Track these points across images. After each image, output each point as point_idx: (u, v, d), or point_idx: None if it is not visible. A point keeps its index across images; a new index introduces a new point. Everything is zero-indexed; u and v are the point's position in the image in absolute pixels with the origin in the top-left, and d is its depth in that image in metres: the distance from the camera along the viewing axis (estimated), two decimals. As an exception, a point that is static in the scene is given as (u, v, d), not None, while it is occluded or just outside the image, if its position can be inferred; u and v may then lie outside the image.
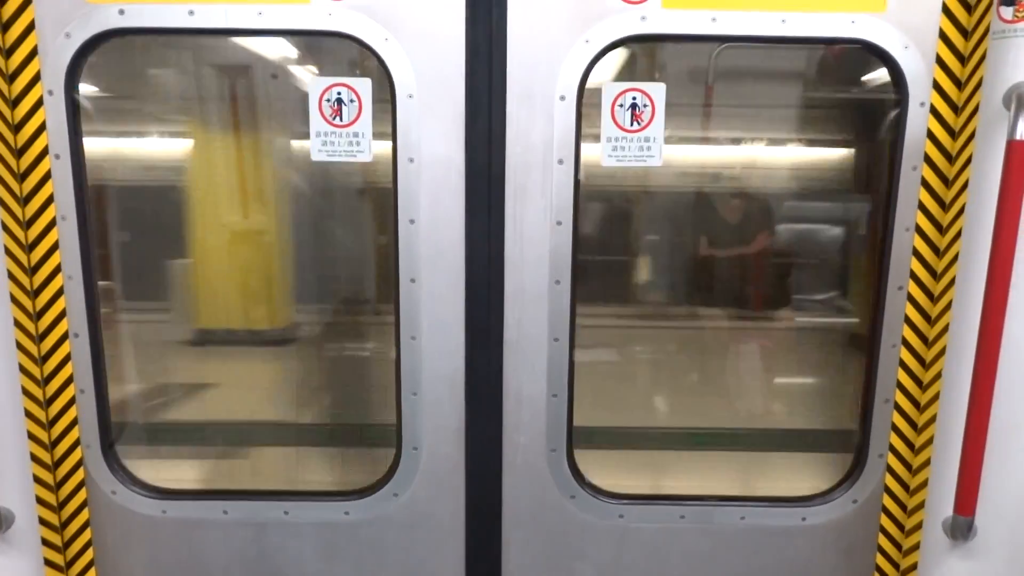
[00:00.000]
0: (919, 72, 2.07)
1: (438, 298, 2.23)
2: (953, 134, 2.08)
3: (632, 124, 2.14)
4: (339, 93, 2.13)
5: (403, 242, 2.19)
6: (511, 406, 2.30)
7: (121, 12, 2.04)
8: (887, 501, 2.32)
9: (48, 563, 2.30)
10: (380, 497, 2.37)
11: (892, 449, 2.28)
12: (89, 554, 2.34)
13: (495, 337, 2.26)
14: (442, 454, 2.33)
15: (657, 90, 2.13)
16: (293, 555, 2.42)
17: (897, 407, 2.26)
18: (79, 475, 2.28)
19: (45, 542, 2.28)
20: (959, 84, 2.05)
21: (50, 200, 2.12)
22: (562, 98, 2.11)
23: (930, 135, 2.09)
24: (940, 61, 2.05)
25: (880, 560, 2.36)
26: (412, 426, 2.31)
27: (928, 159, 2.10)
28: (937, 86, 2.07)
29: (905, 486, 2.29)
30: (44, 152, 2.09)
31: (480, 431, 2.32)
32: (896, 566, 2.34)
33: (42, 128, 2.07)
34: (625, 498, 2.40)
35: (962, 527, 2.16)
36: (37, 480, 2.24)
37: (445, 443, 2.32)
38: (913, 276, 2.17)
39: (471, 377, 2.28)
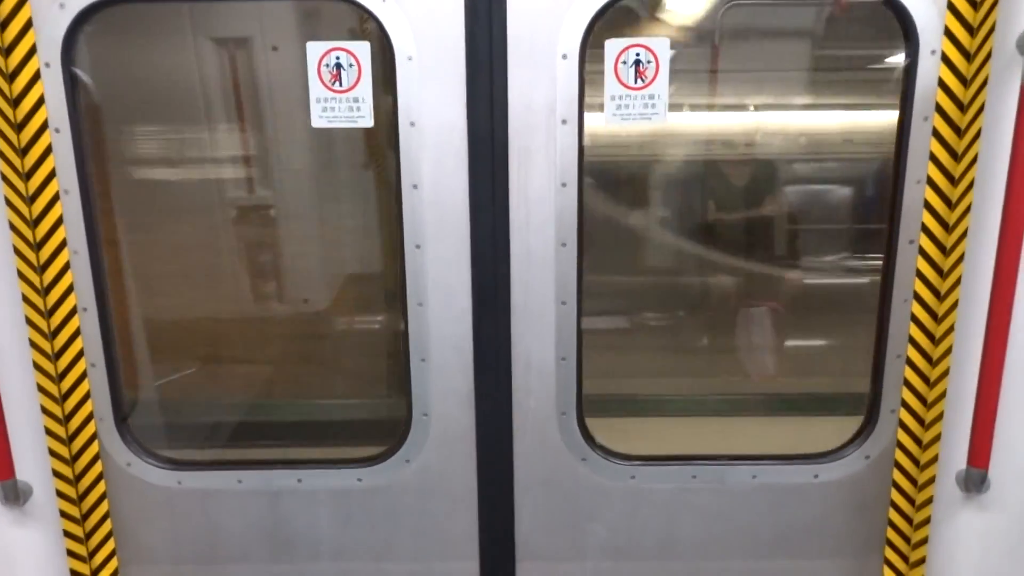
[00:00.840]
0: (930, 19, 2.02)
1: (444, 263, 2.21)
2: (965, 82, 2.03)
3: (636, 81, 2.11)
4: (337, 58, 2.10)
5: (407, 208, 2.18)
6: (520, 370, 2.30)
7: None
8: (900, 456, 2.31)
9: (67, 534, 2.33)
10: (392, 463, 2.38)
11: (904, 404, 2.27)
12: (107, 525, 2.37)
13: (502, 301, 2.25)
14: (452, 419, 2.34)
15: (661, 45, 2.09)
16: (308, 522, 2.44)
17: (909, 362, 2.24)
18: (94, 448, 2.30)
19: (63, 514, 2.31)
20: (971, 30, 2.00)
21: (52, 175, 2.11)
22: (564, 56, 2.07)
23: (941, 84, 2.04)
24: (951, 7, 1.99)
25: (893, 515, 2.36)
26: (422, 392, 2.31)
27: (940, 109, 2.05)
28: (948, 33, 2.01)
29: (918, 441, 2.28)
30: (44, 126, 2.07)
31: (489, 396, 2.32)
32: (909, 520, 2.34)
33: (41, 102, 2.06)
34: (636, 459, 2.41)
35: (976, 479, 2.16)
36: (53, 454, 2.27)
37: (455, 408, 2.33)
38: (924, 229, 2.14)
39: (479, 342, 2.27)
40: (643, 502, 2.42)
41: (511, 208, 2.17)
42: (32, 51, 2.02)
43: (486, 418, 2.34)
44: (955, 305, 2.14)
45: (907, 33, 2.06)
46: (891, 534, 2.37)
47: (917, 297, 2.19)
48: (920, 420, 2.27)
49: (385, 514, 2.43)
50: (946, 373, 2.19)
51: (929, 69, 2.05)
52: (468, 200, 2.17)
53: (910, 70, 2.08)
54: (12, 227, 2.11)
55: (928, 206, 2.12)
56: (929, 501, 2.29)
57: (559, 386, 2.31)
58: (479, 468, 2.38)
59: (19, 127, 2.06)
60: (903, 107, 2.11)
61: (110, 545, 2.39)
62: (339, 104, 2.12)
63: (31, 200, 2.11)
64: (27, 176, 2.10)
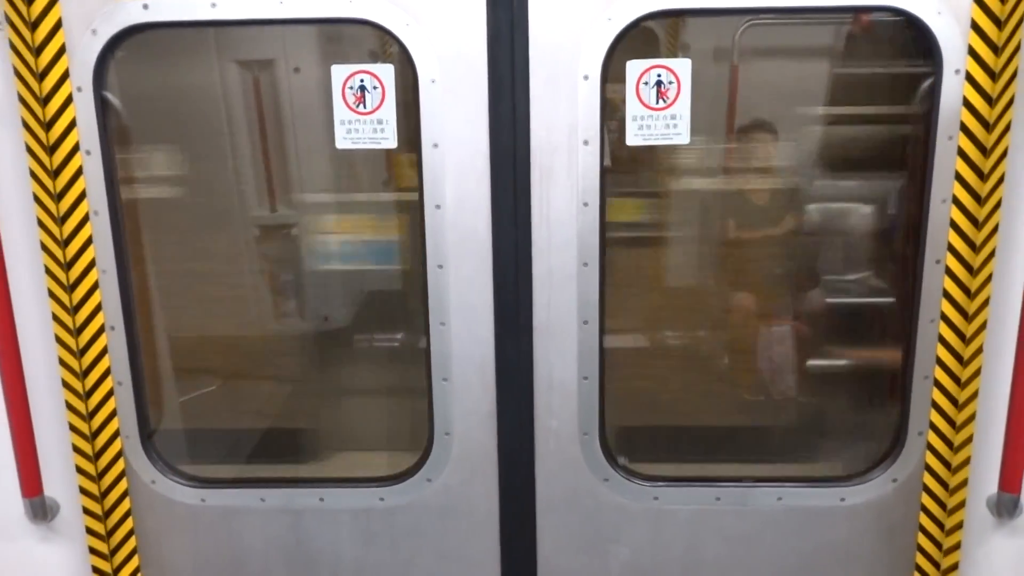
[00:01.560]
0: (953, 38, 2.01)
1: (466, 283, 2.22)
2: (990, 101, 2.01)
3: (657, 102, 2.11)
4: (362, 80, 2.13)
5: (430, 228, 2.19)
6: (542, 390, 2.29)
7: (145, 7, 2.06)
8: (928, 480, 2.27)
9: (93, 551, 2.36)
10: (414, 483, 2.38)
11: (932, 426, 2.23)
12: (132, 542, 2.39)
13: (524, 321, 2.25)
14: (474, 439, 2.33)
15: (683, 67, 2.10)
16: (330, 541, 2.44)
17: (937, 383, 2.20)
18: (120, 465, 2.33)
19: (89, 531, 2.34)
20: (995, 49, 1.99)
21: (83, 196, 2.15)
22: (586, 78, 2.09)
23: (966, 103, 2.02)
24: (975, 26, 1.98)
25: (922, 540, 2.31)
26: (444, 412, 2.31)
27: (964, 128, 2.04)
28: (972, 52, 2.00)
29: (947, 464, 2.24)
30: (75, 148, 2.12)
31: (511, 416, 2.31)
32: (939, 545, 2.30)
33: (72, 125, 2.10)
34: (659, 480, 2.39)
35: (1008, 505, 2.12)
36: (80, 471, 2.30)
37: (477, 428, 2.33)
38: (951, 249, 2.11)
39: (501, 362, 2.28)
40: (666, 523, 2.40)
41: (533, 228, 2.18)
42: (65, 76, 2.07)
43: (508, 438, 2.33)
44: (984, 326, 2.11)
45: (930, 52, 2.05)
46: (920, 560, 2.33)
47: (944, 317, 2.16)
48: (949, 443, 2.23)
49: (406, 534, 2.42)
50: (975, 395, 2.15)
51: (953, 88, 2.03)
52: (491, 220, 2.18)
53: (934, 89, 2.07)
54: (43, 247, 2.15)
55: (954, 225, 2.10)
56: (959, 526, 2.25)
57: (581, 406, 2.30)
58: (501, 488, 2.37)
59: (51, 149, 2.11)
60: (927, 126, 2.10)
61: (134, 562, 2.41)
62: (363, 126, 2.15)
63: (62, 220, 2.16)
64: (58, 197, 2.14)
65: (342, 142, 2.16)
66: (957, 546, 2.27)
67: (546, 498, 2.38)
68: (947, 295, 2.14)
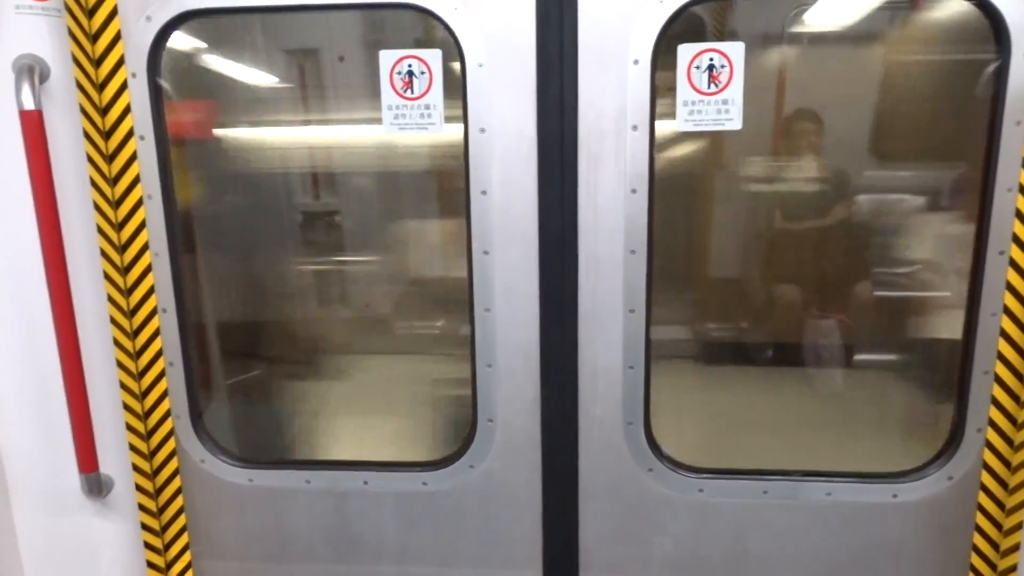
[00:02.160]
0: (1022, 18, 1.92)
1: (512, 269, 2.21)
2: None
3: (709, 86, 2.07)
4: (410, 65, 2.12)
5: (475, 214, 2.18)
6: (586, 378, 2.28)
7: None
8: (986, 478, 2.20)
9: (145, 527, 2.42)
10: (457, 468, 2.39)
11: (991, 423, 2.15)
12: (182, 519, 2.45)
13: (569, 308, 2.23)
14: (518, 426, 2.33)
15: (736, 50, 2.05)
16: (373, 524, 2.47)
17: (997, 379, 2.12)
18: (171, 444, 2.38)
19: (142, 507, 2.40)
20: None
21: (136, 180, 2.19)
22: (635, 62, 2.05)
23: None
24: None
25: (978, 540, 2.24)
26: (488, 398, 2.31)
27: None
28: None
29: (1006, 462, 2.17)
30: (130, 134, 2.16)
31: (555, 403, 2.30)
32: (996, 547, 2.22)
33: (127, 111, 2.14)
34: (705, 472, 2.35)
35: (1071, 506, 2.03)
36: (133, 449, 2.35)
37: (521, 415, 2.32)
38: (1016, 240, 2.03)
39: (546, 349, 2.26)
40: (711, 516, 2.36)
41: (580, 214, 2.16)
42: (120, 62, 2.11)
43: (551, 425, 2.32)
44: None
45: (998, 34, 1.96)
46: (976, 560, 2.25)
47: (1007, 311, 2.08)
48: (1008, 440, 2.15)
49: (449, 519, 2.43)
50: None
51: (1022, 71, 1.95)
52: (537, 206, 2.16)
53: (1001, 72, 1.98)
54: (99, 230, 2.20)
55: (1020, 215, 2.01)
56: (1018, 527, 2.17)
57: (626, 395, 2.28)
58: (544, 475, 2.37)
59: (107, 135, 2.15)
60: (993, 110, 2.02)
61: (184, 539, 2.47)
62: (410, 111, 2.15)
63: (117, 204, 2.20)
64: (114, 181, 2.18)
65: (390, 127, 2.16)
66: (1015, 548, 2.19)
67: (589, 486, 2.36)
68: (1010, 287, 2.06)
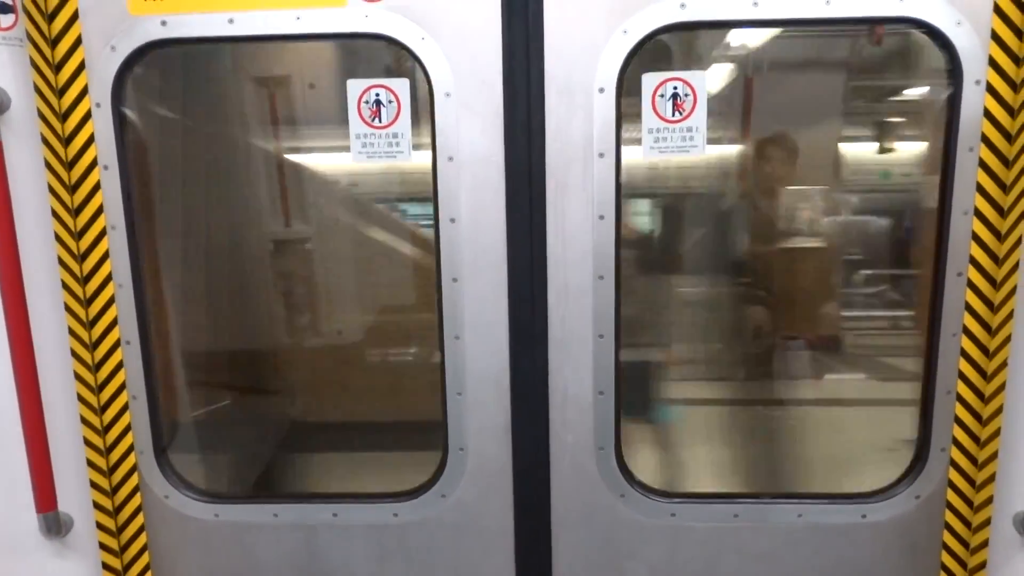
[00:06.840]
0: (973, 49, 1.99)
1: (481, 297, 2.21)
2: (1012, 112, 1.99)
3: (673, 114, 2.11)
4: (377, 94, 2.13)
5: (444, 241, 2.18)
6: (557, 405, 2.27)
7: (163, 23, 2.07)
8: (952, 497, 2.23)
9: (106, 567, 2.35)
10: (428, 498, 2.36)
11: (955, 442, 2.19)
12: (145, 557, 2.38)
13: (539, 335, 2.23)
14: (489, 454, 2.31)
15: (698, 79, 2.09)
16: (343, 557, 2.42)
17: (960, 398, 2.17)
18: (133, 480, 2.32)
19: (103, 546, 2.33)
20: (1017, 60, 1.97)
21: (100, 211, 2.16)
22: (601, 90, 2.08)
23: (987, 114, 2.00)
24: (996, 36, 1.97)
25: (946, 558, 2.27)
26: (458, 426, 2.30)
27: (986, 139, 2.02)
28: (993, 63, 1.98)
29: (971, 481, 2.20)
30: (93, 163, 2.13)
31: (526, 430, 2.29)
32: (963, 565, 2.25)
33: (91, 140, 2.12)
34: (676, 496, 2.35)
35: (1034, 523, 2.07)
36: (94, 485, 2.29)
37: (492, 443, 2.30)
38: (973, 261, 2.09)
39: (516, 376, 2.26)
40: (683, 540, 2.36)
41: (548, 241, 2.17)
42: (84, 92, 2.09)
43: (523, 453, 2.31)
44: (1007, 340, 2.07)
45: (951, 63, 2.03)
46: None
47: (967, 331, 2.13)
48: (973, 459, 2.19)
49: (421, 550, 2.40)
50: (1000, 410, 2.11)
51: (974, 99, 2.02)
52: (505, 234, 2.17)
53: (954, 100, 2.05)
54: (61, 261, 2.16)
55: (976, 238, 2.07)
56: (984, 544, 2.20)
57: (597, 421, 2.28)
58: (516, 503, 2.35)
59: (70, 165, 2.12)
60: (947, 137, 2.08)
61: None
62: (378, 140, 2.15)
63: (79, 235, 2.17)
64: (76, 212, 2.15)
65: (358, 156, 2.16)
66: (982, 566, 2.22)
67: (562, 514, 2.35)
68: (969, 308, 2.11)
